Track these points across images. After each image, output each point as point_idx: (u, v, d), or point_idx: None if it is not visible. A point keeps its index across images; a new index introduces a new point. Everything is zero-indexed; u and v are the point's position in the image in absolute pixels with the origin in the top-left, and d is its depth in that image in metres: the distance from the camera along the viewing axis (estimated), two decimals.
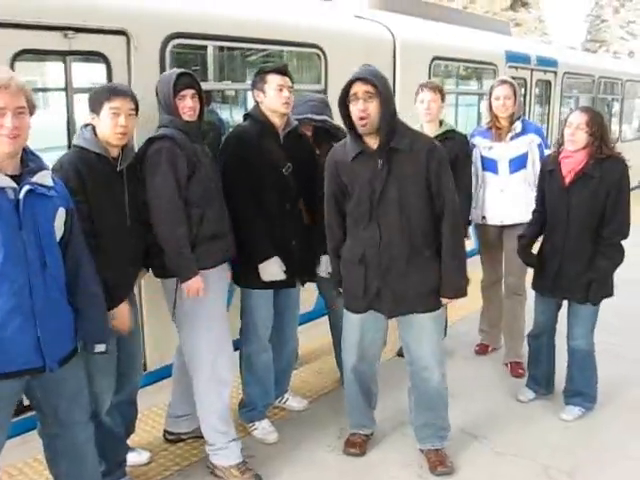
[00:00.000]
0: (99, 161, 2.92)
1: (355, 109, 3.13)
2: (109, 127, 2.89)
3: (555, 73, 8.96)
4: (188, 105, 3.24)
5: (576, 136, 3.74)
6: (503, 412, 4.14)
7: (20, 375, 2.45)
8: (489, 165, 4.62)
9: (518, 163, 4.56)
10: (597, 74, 10.60)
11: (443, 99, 4.52)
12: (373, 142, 3.23)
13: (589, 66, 10.75)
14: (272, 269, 3.56)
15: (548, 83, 8.94)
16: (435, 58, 6.52)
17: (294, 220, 3.67)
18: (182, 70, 3.30)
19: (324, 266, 3.85)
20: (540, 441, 3.80)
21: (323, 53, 5.18)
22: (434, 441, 3.56)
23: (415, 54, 6.18)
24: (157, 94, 3.32)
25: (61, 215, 2.52)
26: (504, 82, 4.60)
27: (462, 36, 7.62)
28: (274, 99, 3.52)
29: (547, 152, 4.37)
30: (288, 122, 3.66)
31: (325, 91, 5.14)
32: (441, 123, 4.52)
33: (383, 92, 3.13)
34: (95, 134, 2.94)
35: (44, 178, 2.45)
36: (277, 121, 3.58)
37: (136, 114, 3.01)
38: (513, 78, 4.79)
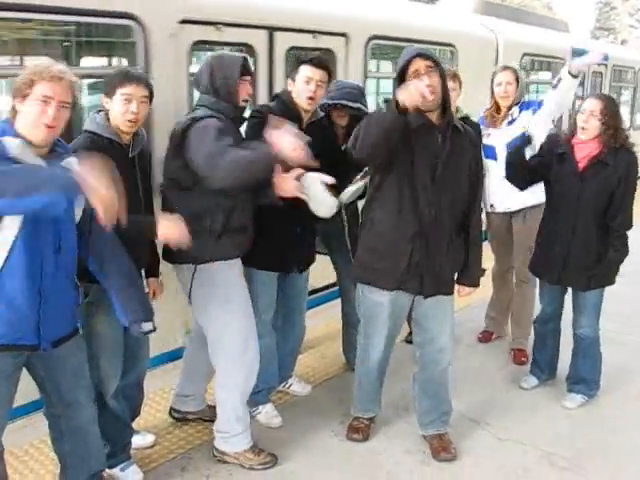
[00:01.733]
0: (111, 147, 2.90)
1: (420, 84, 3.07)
2: (120, 113, 2.86)
3: (606, 66, 10.37)
4: (249, 91, 3.17)
5: (589, 123, 3.69)
6: (506, 399, 4.16)
7: (14, 349, 2.48)
8: (489, 152, 4.57)
9: (511, 146, 4.41)
10: (637, 66, 11.89)
11: (461, 86, 4.49)
12: (432, 117, 3.18)
13: (632, 59, 12.13)
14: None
15: (600, 74, 10.36)
16: (524, 54, 8.04)
17: (302, 208, 3.61)
18: (245, 55, 3.21)
19: (347, 194, 3.63)
20: (542, 428, 3.81)
21: (456, 50, 6.80)
22: (437, 426, 3.58)
23: (511, 51, 7.66)
24: (211, 76, 3.13)
25: (81, 200, 2.54)
26: (506, 68, 4.57)
27: (540, 35, 9.28)
28: (299, 91, 3.45)
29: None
30: (314, 113, 3.61)
31: None
32: (457, 110, 4.49)
33: (441, 67, 3.13)
34: (108, 119, 2.91)
35: (72, 164, 2.49)
36: (303, 110, 3.51)
37: (150, 101, 2.95)
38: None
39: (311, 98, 3.44)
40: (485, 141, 4.57)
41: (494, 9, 8.75)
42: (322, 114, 3.71)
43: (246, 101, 3.24)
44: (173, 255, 3.26)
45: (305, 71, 3.43)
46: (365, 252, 3.39)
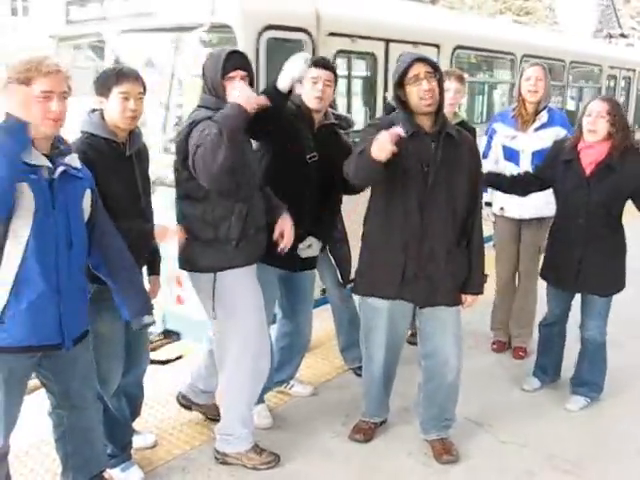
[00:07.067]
0: (108, 146, 2.89)
1: (419, 89, 3.06)
2: (118, 111, 2.84)
3: None
4: None
5: (597, 125, 3.61)
6: (508, 401, 4.15)
7: (38, 350, 2.50)
8: (511, 155, 4.49)
9: (541, 156, 4.28)
10: None
11: (465, 90, 4.45)
12: (426, 124, 3.17)
13: None
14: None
15: None
16: None
17: (310, 206, 3.54)
18: (233, 48, 3.11)
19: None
20: (545, 430, 3.80)
21: (635, 72, 11.96)
22: (439, 430, 3.56)
23: None
24: (203, 73, 3.13)
25: (88, 196, 2.60)
26: (537, 64, 4.49)
27: None
28: (307, 92, 3.46)
29: None
30: (327, 116, 3.61)
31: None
32: (454, 114, 4.44)
33: (440, 73, 3.12)
34: (103, 119, 2.90)
35: (74, 160, 2.55)
36: (313, 113, 3.51)
37: (144, 97, 2.93)
38: None
39: (319, 97, 3.44)
40: (509, 143, 4.50)
41: None
42: (333, 120, 3.69)
43: None
44: (192, 264, 3.21)
45: (312, 72, 3.42)
46: (363, 265, 3.39)
